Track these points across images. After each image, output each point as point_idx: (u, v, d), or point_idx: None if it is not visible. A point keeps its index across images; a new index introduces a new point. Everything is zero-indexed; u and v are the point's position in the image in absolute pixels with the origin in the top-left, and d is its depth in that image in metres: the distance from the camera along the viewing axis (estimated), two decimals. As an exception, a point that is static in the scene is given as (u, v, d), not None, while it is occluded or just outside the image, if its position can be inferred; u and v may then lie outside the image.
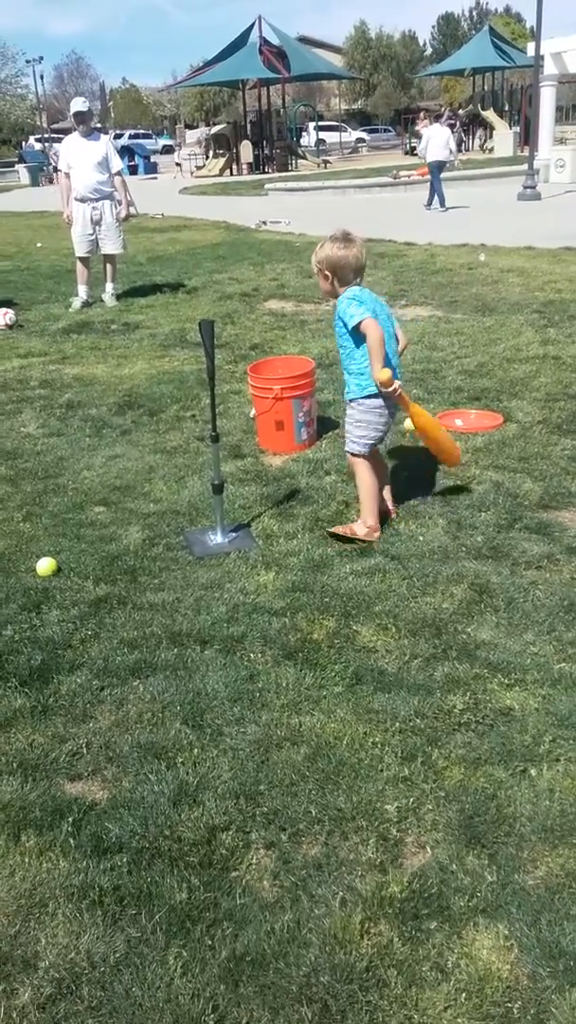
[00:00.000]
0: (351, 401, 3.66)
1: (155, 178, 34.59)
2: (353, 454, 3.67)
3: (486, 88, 41.23)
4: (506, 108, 38.90)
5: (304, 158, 34.70)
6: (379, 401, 3.59)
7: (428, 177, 16.75)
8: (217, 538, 3.66)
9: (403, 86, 64.41)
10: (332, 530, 3.67)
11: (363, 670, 2.75)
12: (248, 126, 35.27)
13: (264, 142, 34.15)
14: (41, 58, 55.25)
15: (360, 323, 3.44)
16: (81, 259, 8.86)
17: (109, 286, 9.08)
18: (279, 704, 2.61)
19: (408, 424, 4.70)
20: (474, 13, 72.40)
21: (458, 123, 33.50)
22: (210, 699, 2.65)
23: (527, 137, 23.68)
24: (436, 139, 16.11)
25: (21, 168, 38.01)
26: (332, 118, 60.55)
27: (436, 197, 16.28)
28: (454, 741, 2.42)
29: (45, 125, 53.83)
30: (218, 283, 9.78)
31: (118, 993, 1.77)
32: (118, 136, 46.57)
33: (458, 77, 47.68)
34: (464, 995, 1.73)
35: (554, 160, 20.89)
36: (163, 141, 59.57)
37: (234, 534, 3.69)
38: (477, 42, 38.12)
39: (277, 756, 2.39)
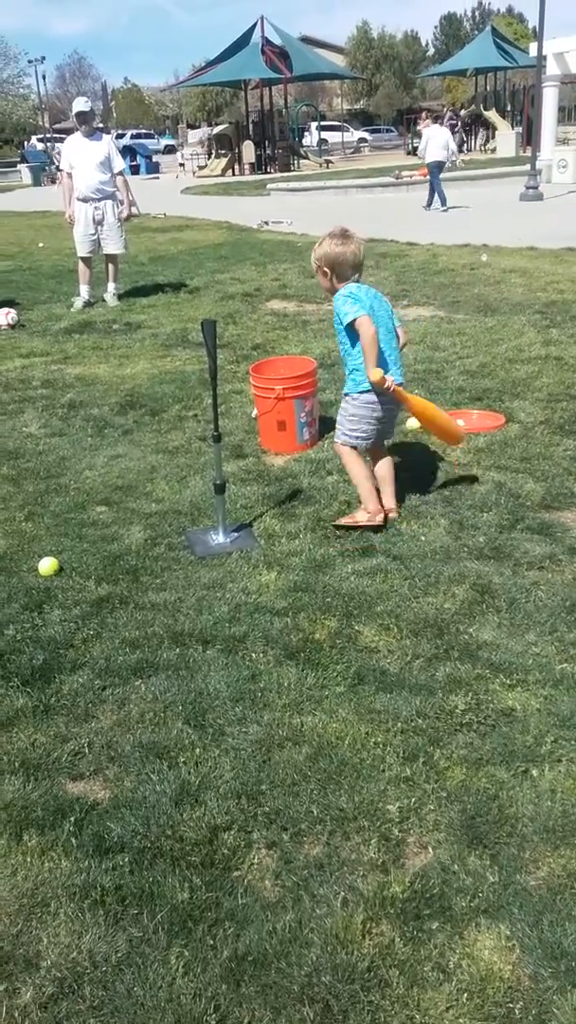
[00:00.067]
0: (346, 395, 3.75)
1: (157, 178, 34.60)
2: (341, 444, 3.77)
3: (488, 88, 41.22)
4: (508, 108, 38.90)
5: (306, 158, 34.69)
6: (372, 398, 3.65)
7: (429, 177, 16.75)
8: (219, 538, 3.66)
9: (405, 86, 64.42)
10: (337, 522, 3.73)
11: (365, 670, 2.75)
12: (250, 126, 35.30)
13: (266, 142, 34.16)
14: (43, 58, 55.44)
15: (354, 320, 3.50)
16: (83, 259, 8.87)
17: (111, 286, 9.08)
18: (281, 704, 2.61)
19: (410, 424, 4.71)
20: (476, 13, 72.47)
21: (459, 123, 33.50)
22: (212, 699, 2.65)
23: (529, 137, 23.69)
24: (435, 139, 16.12)
25: (23, 168, 38.03)
26: (334, 118, 60.58)
27: (436, 198, 16.30)
28: (456, 741, 2.42)
29: (47, 125, 53.88)
30: (220, 283, 9.78)
31: (120, 993, 1.77)
32: (120, 136, 46.58)
33: (460, 77, 47.66)
34: (466, 995, 1.73)
35: (556, 160, 20.88)
36: (165, 141, 59.60)
37: (236, 534, 3.69)
38: (479, 42, 38.13)
39: (279, 756, 2.39)
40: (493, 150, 32.37)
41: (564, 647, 2.83)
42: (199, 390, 5.76)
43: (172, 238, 14.38)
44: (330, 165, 33.75)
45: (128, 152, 34.90)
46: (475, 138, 36.92)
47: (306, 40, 46.64)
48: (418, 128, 22.85)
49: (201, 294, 9.25)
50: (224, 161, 33.35)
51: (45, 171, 35.27)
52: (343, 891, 1.97)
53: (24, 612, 3.20)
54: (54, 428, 5.24)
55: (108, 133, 9.27)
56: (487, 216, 14.99)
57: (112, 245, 8.86)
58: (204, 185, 28.01)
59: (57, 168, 11.98)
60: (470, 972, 1.78)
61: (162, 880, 2.02)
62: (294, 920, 1.90)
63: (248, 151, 33.16)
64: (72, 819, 2.20)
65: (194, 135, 49.53)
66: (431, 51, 71.69)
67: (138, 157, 36.82)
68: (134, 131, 56.37)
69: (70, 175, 8.63)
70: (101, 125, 9.57)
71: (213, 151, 35.70)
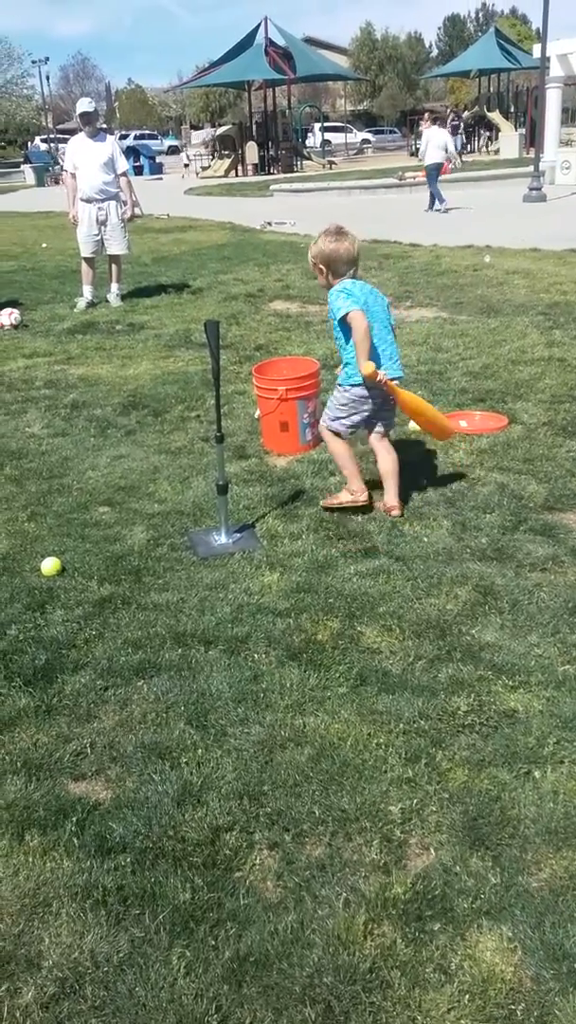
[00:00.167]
0: (339, 385, 3.85)
1: (160, 179, 34.63)
2: (325, 427, 3.92)
3: (492, 90, 41.23)
4: (512, 110, 38.92)
5: (309, 159, 34.72)
6: (363, 392, 3.76)
7: (441, 178, 16.76)
8: (221, 539, 3.66)
9: (409, 87, 64.48)
10: (324, 504, 3.91)
11: (367, 671, 2.75)
12: (254, 127, 35.32)
13: (269, 143, 34.18)
14: (47, 59, 55.55)
15: (347, 315, 3.59)
16: (86, 259, 8.87)
17: (114, 286, 9.09)
18: (283, 705, 2.61)
19: (412, 426, 4.71)
20: (480, 15, 72.49)
21: (461, 125, 33.54)
22: (214, 699, 2.65)
23: (533, 139, 23.68)
24: (435, 141, 16.14)
25: (27, 168, 38.09)
26: (338, 119, 60.63)
27: (432, 198, 16.32)
28: (458, 743, 2.42)
29: (51, 126, 53.93)
30: (223, 284, 9.78)
31: (121, 993, 1.77)
32: (124, 137, 46.65)
33: (464, 78, 47.73)
34: (467, 997, 1.73)
35: (560, 162, 20.89)
36: (168, 142, 59.68)
37: (238, 535, 3.69)
38: (483, 43, 38.15)
39: (281, 757, 2.39)
40: (496, 151, 32.37)
41: (567, 649, 2.83)
42: (202, 391, 5.77)
43: (175, 239, 14.39)
44: (333, 166, 33.79)
45: (131, 153, 34.99)
46: (478, 139, 36.95)
47: (310, 41, 46.65)
48: (419, 130, 22.90)
49: (204, 295, 9.26)
50: (227, 162, 33.39)
51: (49, 172, 35.31)
52: (345, 892, 1.97)
53: (26, 612, 3.20)
54: (57, 428, 5.25)
55: (112, 134, 9.26)
56: (490, 217, 14.99)
57: (115, 246, 8.86)
58: (207, 186, 28.04)
59: (62, 168, 11.93)
60: (472, 973, 1.78)
61: (164, 880, 2.02)
62: (296, 921, 1.90)
63: (251, 152, 33.18)
64: (74, 819, 2.20)
65: (197, 136, 49.60)
66: (435, 52, 71.78)
67: (141, 158, 36.87)
68: (137, 132, 56.48)
69: (74, 176, 8.63)
70: (105, 126, 9.55)
71: (216, 152, 35.72)
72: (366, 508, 3.82)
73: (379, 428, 3.91)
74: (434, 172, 16.25)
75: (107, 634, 3.04)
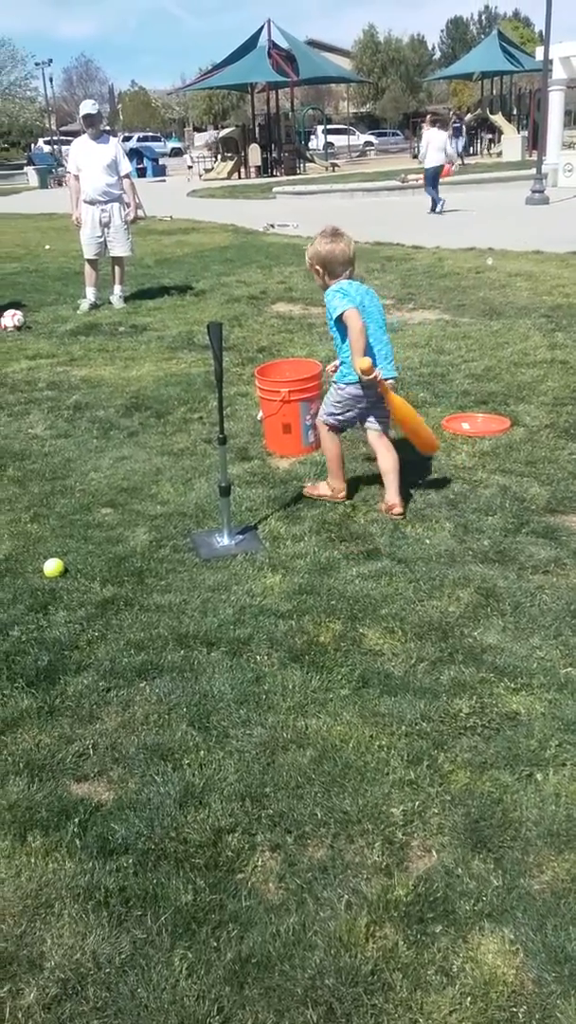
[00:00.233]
0: (334, 383, 3.96)
1: (163, 180, 34.67)
2: (322, 421, 4.04)
3: (495, 92, 41.24)
4: (514, 112, 38.93)
5: (312, 161, 34.74)
6: (355, 390, 3.83)
7: (444, 179, 16.77)
8: (224, 540, 3.66)
9: (412, 90, 64.50)
10: (305, 490, 4.09)
11: (369, 673, 2.75)
12: (256, 129, 35.36)
13: (272, 145, 34.21)
14: (50, 61, 55.12)
15: (343, 313, 3.67)
16: (89, 261, 8.88)
17: (117, 288, 9.10)
18: (285, 706, 2.61)
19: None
20: (483, 17, 72.49)
21: (464, 127, 33.58)
22: (216, 701, 2.65)
23: (535, 141, 23.68)
24: (435, 143, 16.15)
25: (30, 170, 38.11)
26: (340, 121, 60.66)
27: (439, 200, 16.33)
28: (460, 745, 2.42)
29: (54, 127, 54.02)
30: (226, 286, 9.79)
31: (123, 994, 1.77)
32: (127, 139, 46.67)
33: (467, 81, 47.76)
34: (469, 999, 1.73)
35: (562, 164, 20.89)
36: (171, 144, 59.75)
37: (241, 536, 3.69)
38: (486, 46, 38.20)
39: (283, 758, 2.39)
40: (499, 154, 32.39)
41: (569, 651, 2.83)
42: (205, 392, 5.77)
43: (178, 241, 14.41)
44: (336, 168, 33.80)
45: (135, 155, 34.99)
46: (481, 142, 36.96)
47: (312, 44, 46.73)
48: (421, 132, 22.95)
49: (207, 297, 9.26)
50: (230, 164, 33.42)
51: (52, 173, 35.34)
52: (347, 894, 1.97)
53: (29, 613, 3.21)
54: (60, 430, 5.25)
55: (115, 136, 9.27)
56: (492, 220, 14.99)
57: (118, 247, 8.87)
58: (210, 188, 28.07)
59: (65, 170, 11.93)
60: (474, 976, 1.78)
61: (166, 882, 2.02)
62: (298, 923, 1.90)
63: (254, 154, 33.21)
64: (76, 820, 2.20)
65: (200, 138, 49.69)
66: (437, 55, 71.78)
67: (144, 160, 36.88)
68: (141, 134, 56.55)
69: (77, 177, 8.65)
70: (108, 128, 9.56)
71: (219, 154, 35.76)
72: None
73: (376, 426, 3.95)
74: (434, 175, 16.27)
75: (109, 635, 3.04)
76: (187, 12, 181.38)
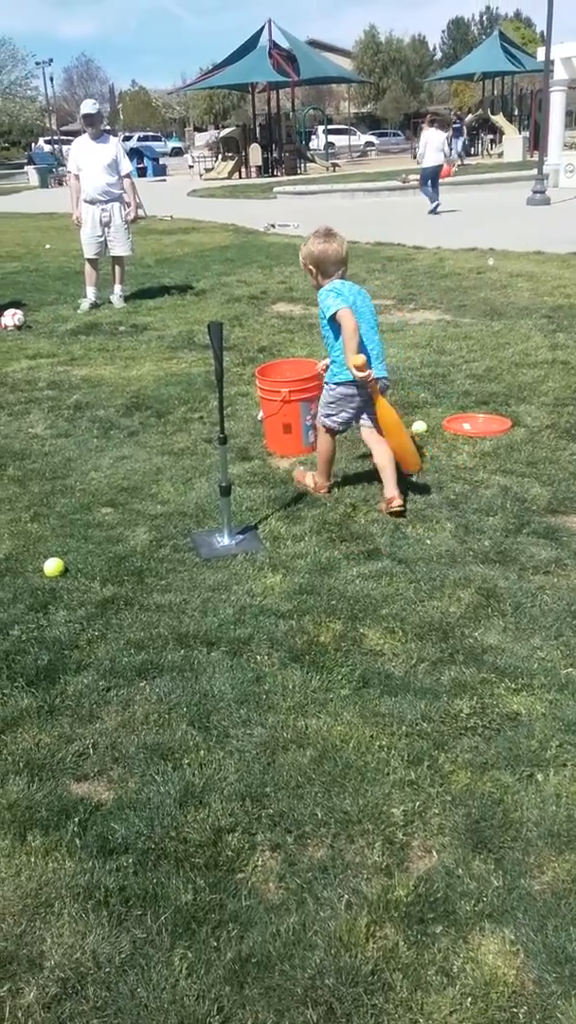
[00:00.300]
0: (325, 383, 3.99)
1: (164, 180, 34.67)
2: (319, 423, 4.08)
3: (496, 93, 41.25)
4: (516, 113, 38.92)
5: (313, 161, 34.75)
6: (345, 389, 3.87)
7: (444, 180, 16.78)
8: (224, 540, 3.66)
9: (413, 90, 64.49)
10: (295, 474, 4.23)
11: (370, 673, 2.75)
12: (257, 129, 35.37)
13: (273, 145, 34.22)
14: (51, 60, 55.12)
15: (336, 313, 3.71)
16: (90, 261, 8.88)
17: (117, 288, 9.10)
18: (285, 706, 2.61)
19: (416, 427, 4.71)
20: (484, 18, 72.40)
21: (464, 128, 33.59)
22: (216, 701, 2.65)
23: (537, 142, 23.68)
24: (433, 143, 16.16)
25: (30, 169, 38.11)
26: (341, 122, 60.69)
27: (435, 200, 16.34)
28: (461, 745, 2.42)
29: (54, 127, 54.02)
30: (226, 285, 9.79)
31: (123, 994, 1.77)
32: (127, 138, 46.69)
33: (468, 81, 47.74)
34: (470, 1000, 1.73)
35: (564, 165, 20.89)
36: (172, 143, 59.75)
37: (241, 536, 3.69)
38: (487, 46, 38.20)
39: (283, 758, 2.39)
40: (500, 154, 32.39)
41: (570, 651, 2.82)
42: (205, 392, 5.77)
43: (178, 240, 14.41)
44: (337, 168, 33.81)
45: (135, 154, 34.99)
46: (482, 142, 36.96)
47: (313, 44, 46.74)
48: (421, 132, 22.96)
49: (207, 296, 9.26)
50: (231, 164, 33.42)
51: (52, 173, 35.35)
52: (347, 894, 1.97)
53: (29, 613, 3.21)
54: (60, 429, 5.25)
55: (116, 135, 9.27)
56: (494, 220, 14.99)
57: (119, 247, 8.88)
58: (211, 188, 28.07)
59: (65, 170, 11.90)
60: (474, 976, 1.77)
61: (166, 881, 2.02)
62: (298, 923, 1.90)
63: (255, 154, 33.22)
64: (76, 820, 2.20)
65: (201, 138, 49.69)
66: (438, 55, 71.74)
67: (145, 159, 36.89)
68: (141, 134, 56.54)
69: (77, 177, 8.65)
70: (109, 127, 9.57)
71: (220, 154, 35.76)
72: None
73: (369, 423, 3.98)
74: (431, 174, 16.27)
75: (109, 635, 3.04)
76: (188, 11, 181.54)
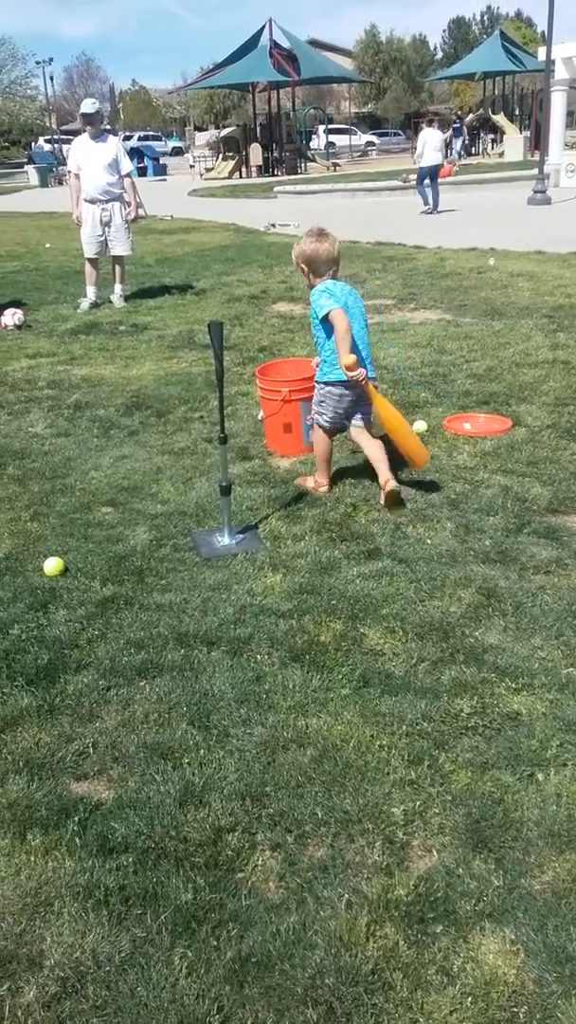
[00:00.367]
0: (317, 383, 4.02)
1: (164, 180, 34.66)
2: (314, 423, 4.11)
3: (497, 92, 41.22)
4: (517, 112, 38.91)
5: (313, 161, 34.74)
6: (335, 388, 3.91)
7: (445, 179, 16.78)
8: (224, 539, 3.66)
9: (413, 90, 64.46)
10: (297, 481, 4.20)
11: (370, 673, 2.75)
12: (258, 129, 35.35)
13: (273, 145, 34.21)
14: (51, 59, 55.15)
15: (328, 313, 3.75)
16: (90, 260, 8.88)
17: (118, 287, 9.09)
18: (286, 706, 2.61)
19: (418, 427, 4.71)
20: (485, 17, 72.43)
21: (464, 128, 33.59)
22: (216, 700, 2.65)
23: (538, 141, 23.67)
24: (431, 143, 16.15)
25: (30, 169, 38.10)
26: (342, 121, 60.64)
27: (434, 200, 16.34)
28: (461, 745, 2.42)
29: (54, 126, 54.00)
30: (227, 285, 9.79)
31: (123, 993, 1.77)
32: (127, 138, 46.68)
33: (469, 81, 47.72)
34: (470, 999, 1.73)
35: (564, 165, 20.89)
36: (172, 143, 59.74)
37: (241, 536, 3.69)
38: (488, 46, 38.17)
39: (283, 758, 2.39)
40: (501, 154, 32.38)
41: (570, 651, 2.82)
42: (205, 392, 5.77)
43: (179, 240, 14.41)
44: (337, 168, 33.80)
45: (135, 154, 34.98)
46: (482, 142, 36.95)
47: (314, 43, 46.71)
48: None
49: (207, 296, 9.26)
50: (231, 163, 33.41)
51: (52, 172, 35.34)
52: (347, 893, 1.97)
53: (29, 612, 3.20)
54: (60, 428, 5.25)
55: (116, 135, 9.27)
56: (494, 220, 14.99)
57: (119, 247, 8.87)
58: (211, 187, 28.07)
59: (66, 169, 11.91)
60: (474, 976, 1.77)
61: (166, 881, 2.02)
62: (298, 922, 1.90)
63: (255, 154, 33.21)
64: (76, 819, 2.20)
65: (201, 137, 49.66)
66: (439, 55, 71.70)
67: (145, 159, 36.88)
68: (141, 133, 56.54)
69: (77, 176, 8.65)
70: (109, 127, 9.57)
71: (220, 153, 35.75)
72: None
73: (359, 423, 4.02)
74: (429, 174, 16.26)
75: (109, 634, 3.04)
76: (188, 11, 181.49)
